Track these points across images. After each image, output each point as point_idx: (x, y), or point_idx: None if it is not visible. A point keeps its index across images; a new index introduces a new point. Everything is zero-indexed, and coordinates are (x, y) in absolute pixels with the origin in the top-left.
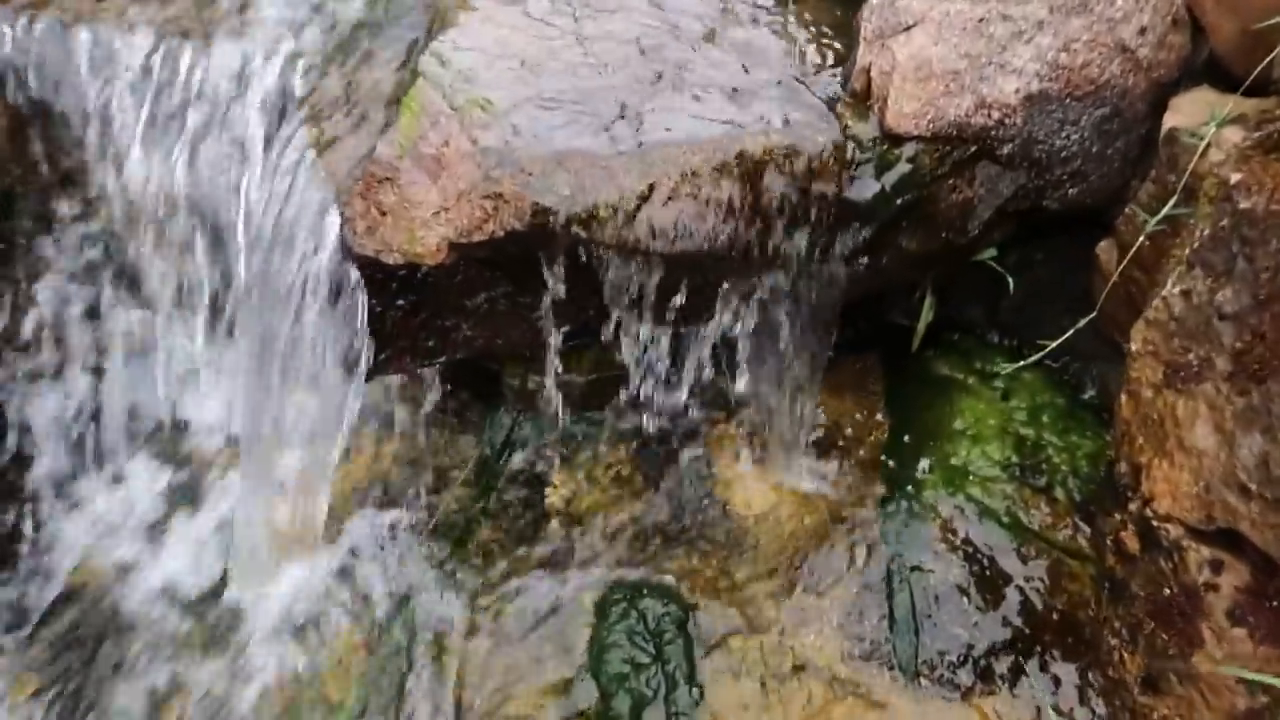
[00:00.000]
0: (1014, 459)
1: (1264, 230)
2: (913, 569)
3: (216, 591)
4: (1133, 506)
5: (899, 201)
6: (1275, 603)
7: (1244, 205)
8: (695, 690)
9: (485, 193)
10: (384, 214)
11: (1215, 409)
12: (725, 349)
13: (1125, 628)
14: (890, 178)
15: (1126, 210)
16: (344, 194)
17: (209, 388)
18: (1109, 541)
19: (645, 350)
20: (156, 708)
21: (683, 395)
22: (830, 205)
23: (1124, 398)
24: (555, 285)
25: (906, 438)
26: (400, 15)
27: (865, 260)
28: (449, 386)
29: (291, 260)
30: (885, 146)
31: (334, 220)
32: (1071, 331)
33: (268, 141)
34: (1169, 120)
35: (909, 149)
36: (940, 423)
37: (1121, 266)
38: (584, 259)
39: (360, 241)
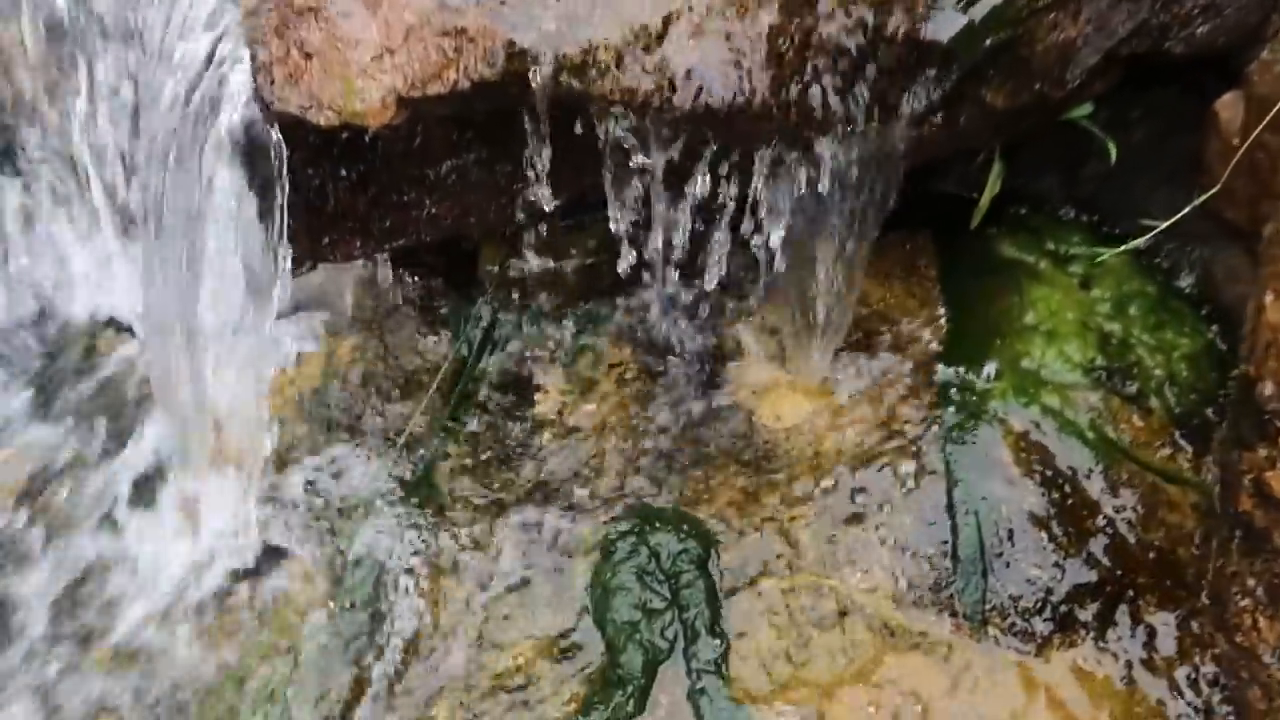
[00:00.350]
0: (1098, 361)
1: None
2: (981, 497)
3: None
4: None
5: (988, 42)
6: None
7: None
8: (719, 641)
9: (442, 28)
10: (308, 57)
11: None
12: (753, 228)
13: (1263, 587)
14: (979, 10)
15: (1264, 54)
16: (254, 30)
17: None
18: (1246, 481)
19: (656, 231)
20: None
21: (702, 284)
22: (901, 47)
23: (1269, 300)
24: (540, 151)
25: (967, 334)
26: None
27: (938, 119)
28: (415, 275)
29: (188, 119)
30: None
31: (243, 66)
32: (1189, 209)
33: None
34: None
35: None
36: (1008, 316)
37: (1255, 130)
38: (578, 118)
39: (279, 95)
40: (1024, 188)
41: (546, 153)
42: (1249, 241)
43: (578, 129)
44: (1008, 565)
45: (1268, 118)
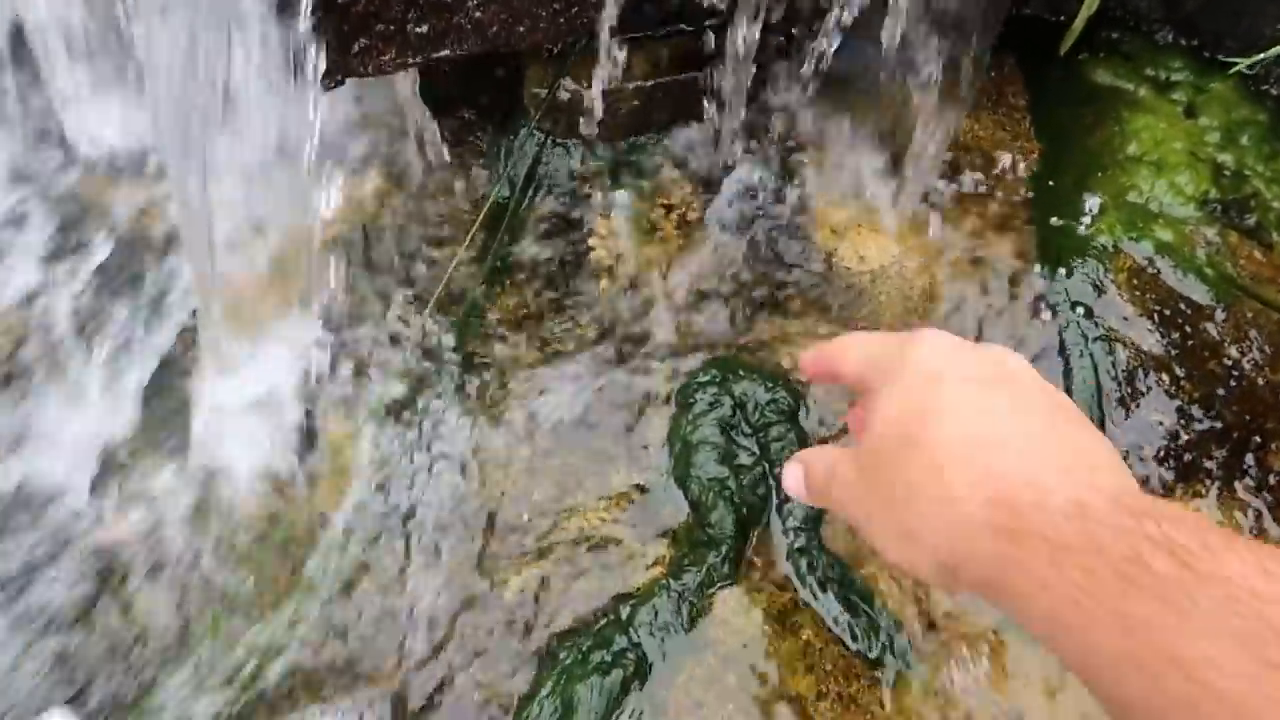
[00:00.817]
0: (1212, 194)
1: None
2: (1095, 338)
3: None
4: None
5: None
6: None
7: None
8: None
9: None
10: None
11: None
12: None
13: None
14: None
15: None
16: None
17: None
18: None
19: (739, 35)
20: None
21: (788, 98)
22: None
23: None
24: None
25: (1065, 167)
26: None
27: None
28: (449, 98)
29: None
30: None
31: None
32: None
33: None
34: None
35: None
36: (1108, 147)
37: None
38: None
39: None
40: (1116, 9)
41: None
42: None
43: None
44: (1126, 412)
45: None
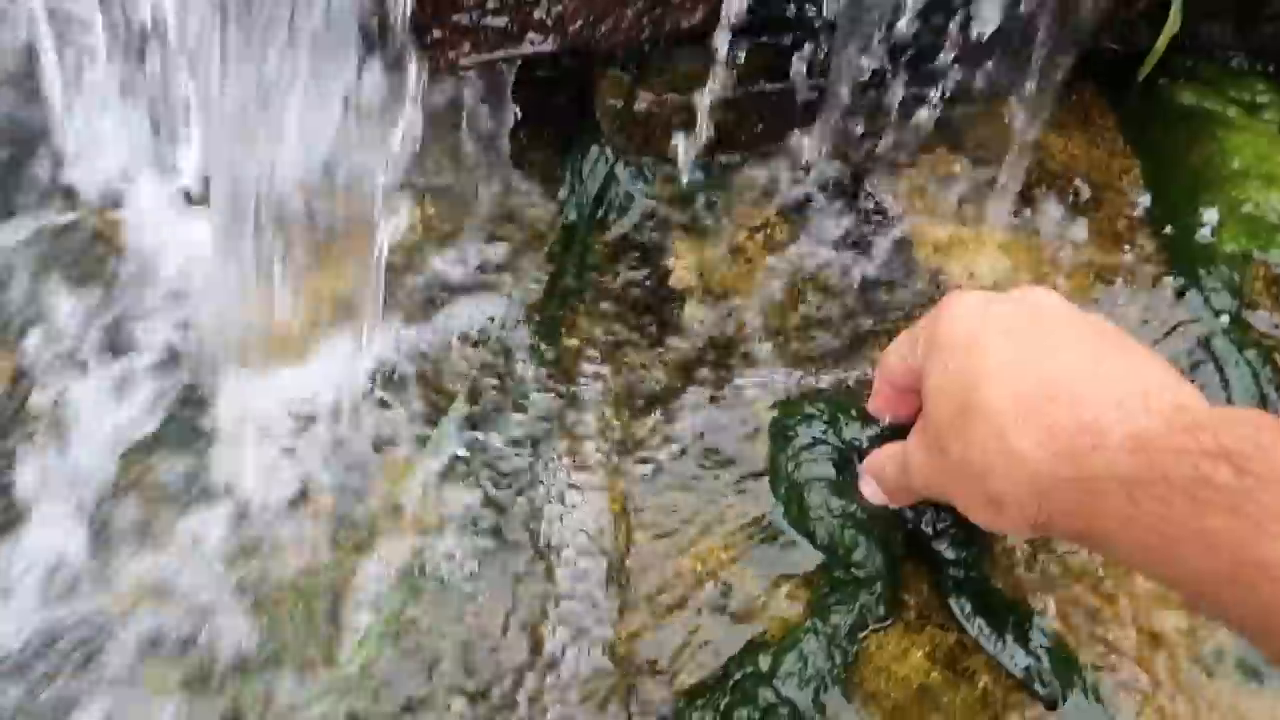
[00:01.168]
0: None
1: None
2: (1248, 345)
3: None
4: None
5: None
6: None
7: None
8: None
9: None
10: None
11: None
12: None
13: None
14: None
15: None
16: None
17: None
18: None
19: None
20: None
21: (889, 108)
22: None
23: None
24: None
25: (1170, 183)
26: None
27: None
28: (517, 107)
29: None
30: None
31: None
32: None
33: None
34: None
35: None
36: (1210, 164)
37: None
38: None
39: None
40: (1187, 38)
41: None
42: None
43: None
44: None
45: None
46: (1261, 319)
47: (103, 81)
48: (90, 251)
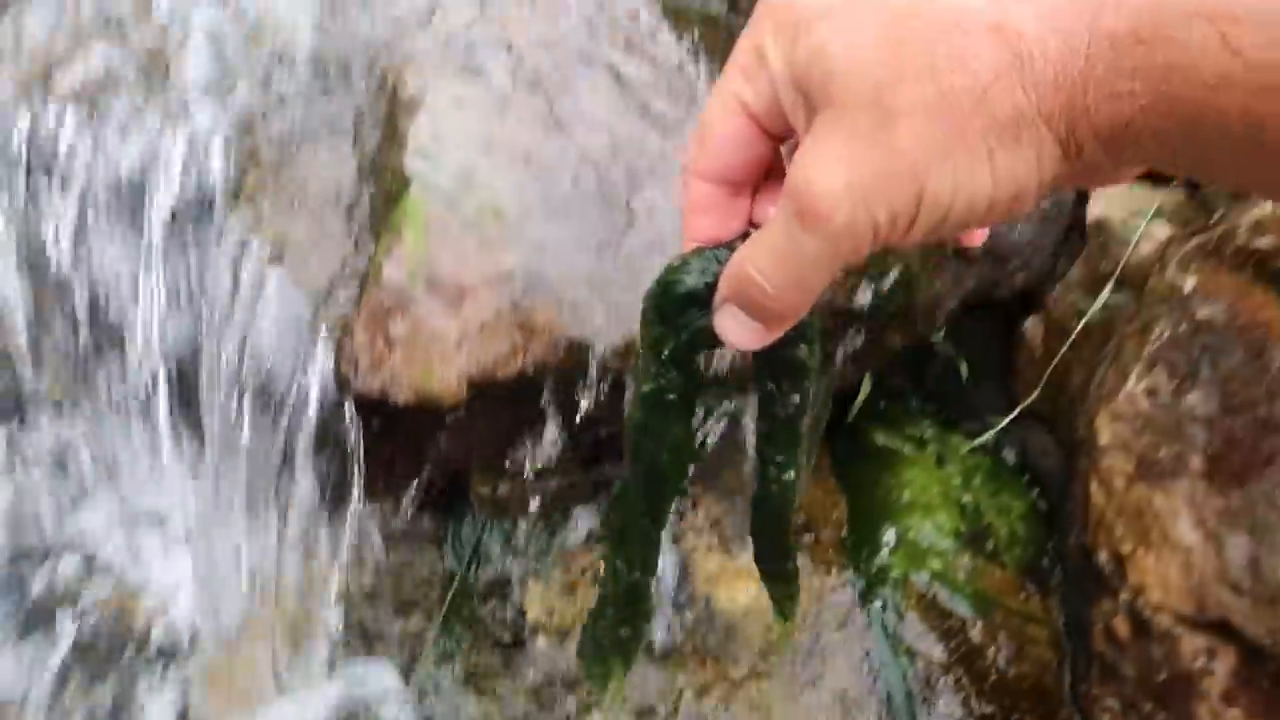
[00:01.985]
0: (962, 528)
1: (1224, 341)
2: (901, 654)
3: None
4: (1123, 596)
5: (891, 306)
6: (1266, 684)
7: (1202, 314)
8: None
9: (514, 322)
10: (391, 347)
11: (1195, 506)
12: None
13: (1120, 704)
14: (884, 283)
15: (1056, 290)
16: (332, 323)
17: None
18: (1099, 629)
19: None
20: None
21: None
22: (837, 315)
23: (1094, 486)
24: (583, 406)
25: (863, 515)
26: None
27: (856, 357)
28: (411, 504)
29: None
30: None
31: (322, 354)
32: (1019, 410)
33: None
34: (1094, 208)
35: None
36: (889, 496)
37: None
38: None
39: (364, 379)
40: (880, 385)
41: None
42: (1049, 425)
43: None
44: (929, 709)
45: (1063, 338)
46: (911, 631)
47: None
48: None
